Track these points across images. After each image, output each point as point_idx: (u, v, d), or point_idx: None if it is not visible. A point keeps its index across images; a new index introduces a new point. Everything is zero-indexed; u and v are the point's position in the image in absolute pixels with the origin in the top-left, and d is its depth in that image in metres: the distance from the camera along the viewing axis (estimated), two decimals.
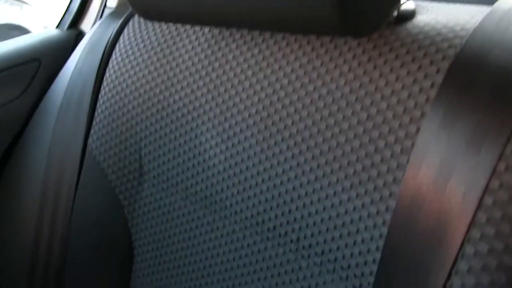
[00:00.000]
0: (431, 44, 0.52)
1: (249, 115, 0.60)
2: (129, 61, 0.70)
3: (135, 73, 0.69)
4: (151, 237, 0.69)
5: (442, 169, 0.47)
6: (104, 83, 0.72)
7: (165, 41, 0.68)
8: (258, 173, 0.59)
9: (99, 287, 0.71)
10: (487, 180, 0.45)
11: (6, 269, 0.74)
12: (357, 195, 0.52)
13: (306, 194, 0.56)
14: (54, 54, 0.84)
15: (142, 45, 0.70)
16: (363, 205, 0.52)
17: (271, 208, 0.58)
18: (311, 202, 0.55)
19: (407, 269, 0.48)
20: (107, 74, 0.72)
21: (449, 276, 0.45)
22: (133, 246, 0.70)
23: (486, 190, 0.45)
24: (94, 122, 0.72)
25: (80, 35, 0.90)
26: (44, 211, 0.72)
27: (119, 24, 0.75)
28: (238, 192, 0.61)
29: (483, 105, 0.47)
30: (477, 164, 0.46)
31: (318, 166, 0.55)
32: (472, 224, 0.45)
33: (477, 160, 0.46)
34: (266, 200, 0.59)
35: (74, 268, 0.71)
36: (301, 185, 0.56)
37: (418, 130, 0.49)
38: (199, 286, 0.65)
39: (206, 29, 0.66)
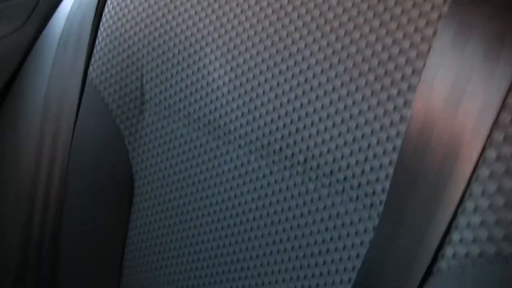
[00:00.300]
0: None
1: (255, 33, 0.57)
2: None
3: None
4: (152, 168, 0.66)
5: (460, 73, 0.44)
6: (106, 10, 0.69)
7: None
8: (264, 93, 0.56)
9: (99, 219, 0.68)
10: (509, 83, 0.41)
11: (5, 201, 0.71)
12: (369, 107, 0.49)
13: (314, 111, 0.52)
14: None
15: None
16: (375, 117, 0.48)
17: (277, 128, 0.55)
18: (320, 119, 0.52)
19: (422, 184, 0.45)
20: (108, 1, 0.69)
21: (469, 183, 0.42)
22: (134, 178, 0.67)
23: (509, 91, 0.41)
24: (95, 51, 0.69)
25: None
26: (43, 143, 0.70)
27: None
28: (243, 114, 0.58)
29: (503, 9, 0.43)
30: (497, 68, 0.42)
31: (327, 80, 0.51)
32: (495, 125, 0.41)
33: (497, 64, 0.42)
34: (272, 120, 0.55)
35: (74, 199, 0.68)
36: (309, 102, 0.53)
37: (435, 33, 0.46)
38: (202, 217, 0.62)
39: None
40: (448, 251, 0.42)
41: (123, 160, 0.67)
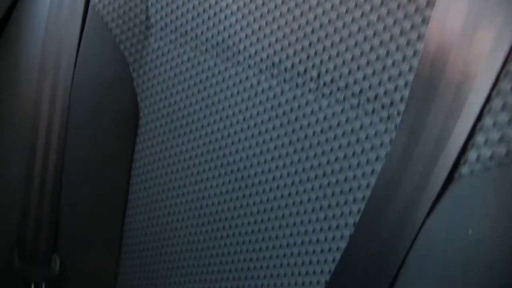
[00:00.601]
0: None
1: None
2: None
3: None
4: (158, 95, 0.63)
5: None
6: None
7: None
8: (275, 7, 0.53)
9: (103, 150, 0.65)
10: None
11: (7, 131, 0.69)
12: (388, 12, 0.46)
13: (329, 21, 0.49)
14: None
15: None
16: (395, 22, 0.45)
17: (289, 44, 0.52)
18: (335, 30, 0.49)
19: (445, 87, 0.41)
20: None
21: (496, 80, 0.39)
22: (139, 107, 0.65)
23: None
24: None
25: None
26: (45, 72, 0.67)
27: None
28: (253, 32, 0.55)
29: None
30: None
31: None
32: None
33: None
34: (284, 35, 0.53)
35: (77, 128, 0.66)
36: (323, 12, 0.50)
37: None
38: (209, 143, 0.59)
39: None
40: (472, 155, 0.40)
41: (127, 88, 0.65)
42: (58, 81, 0.67)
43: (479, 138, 0.40)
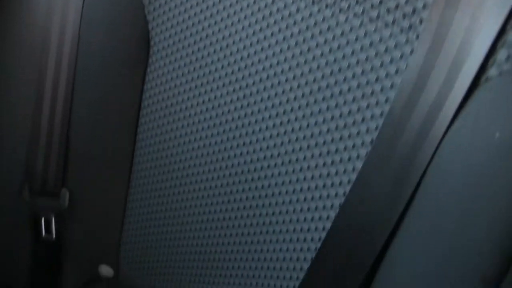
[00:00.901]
0: None
1: None
2: None
3: None
4: (169, 22, 0.61)
5: None
6: None
7: None
8: None
9: (114, 76, 0.64)
10: None
11: (18, 63, 0.68)
12: None
13: None
14: None
15: None
16: None
17: None
18: None
19: None
20: None
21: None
22: (150, 35, 0.63)
23: None
24: None
25: None
26: (54, 4, 0.65)
27: None
28: None
29: None
30: None
31: None
32: None
33: None
34: None
35: (87, 56, 0.63)
36: None
37: None
38: (221, 68, 0.57)
39: None
40: (501, 54, 0.38)
41: (138, 16, 0.63)
42: (68, 10, 0.65)
43: (511, 36, 0.37)
